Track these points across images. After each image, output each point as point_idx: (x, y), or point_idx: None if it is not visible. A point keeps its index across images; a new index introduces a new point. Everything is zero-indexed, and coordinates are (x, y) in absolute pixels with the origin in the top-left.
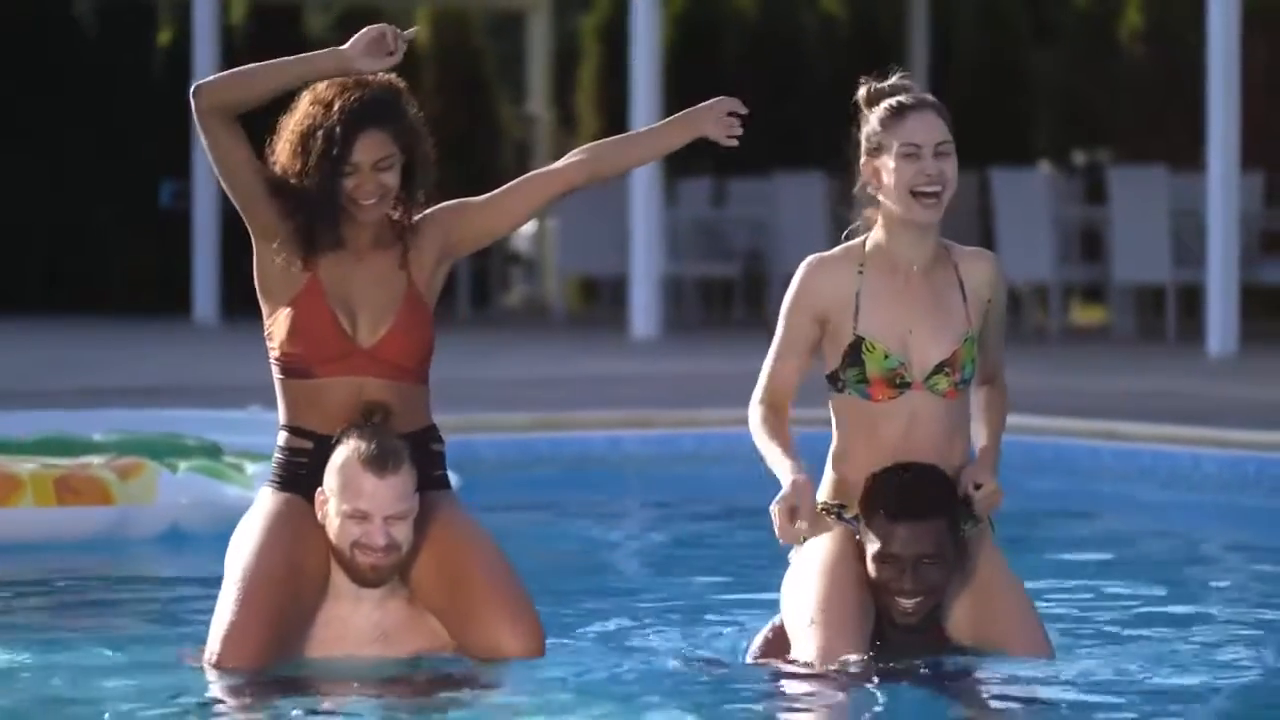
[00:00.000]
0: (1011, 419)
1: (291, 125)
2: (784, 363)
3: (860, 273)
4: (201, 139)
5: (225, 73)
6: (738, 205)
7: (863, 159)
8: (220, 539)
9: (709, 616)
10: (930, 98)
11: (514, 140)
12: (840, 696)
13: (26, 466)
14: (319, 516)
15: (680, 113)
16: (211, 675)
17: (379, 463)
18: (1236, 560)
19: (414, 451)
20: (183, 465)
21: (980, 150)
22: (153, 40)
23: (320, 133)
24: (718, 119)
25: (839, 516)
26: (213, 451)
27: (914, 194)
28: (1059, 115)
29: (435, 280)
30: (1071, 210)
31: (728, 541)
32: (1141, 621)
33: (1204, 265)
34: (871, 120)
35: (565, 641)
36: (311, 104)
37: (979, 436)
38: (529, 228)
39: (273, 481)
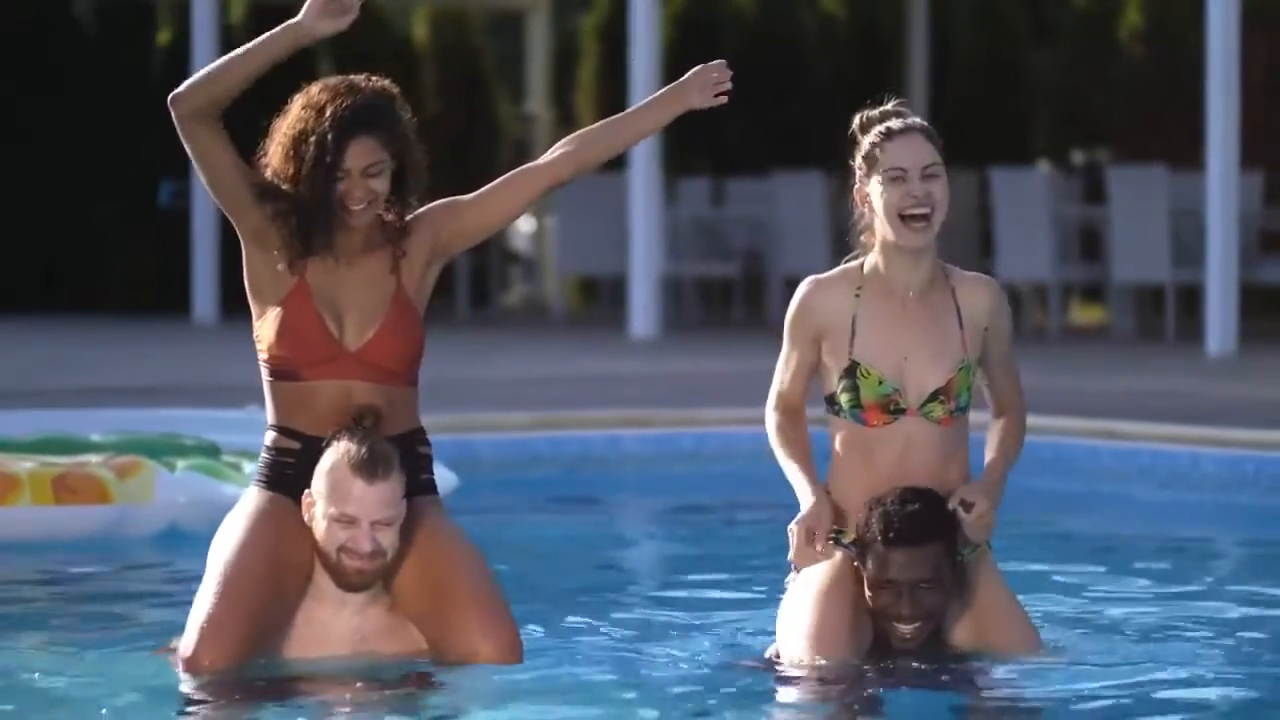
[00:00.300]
0: None
1: (284, 129)
2: (790, 374)
3: (857, 296)
4: (187, 147)
5: (196, 75)
6: (737, 205)
7: (855, 185)
8: None
9: (708, 616)
10: (918, 122)
11: (513, 139)
12: (834, 700)
13: (24, 465)
14: (305, 518)
15: (664, 89)
16: (187, 671)
17: (369, 468)
18: (1236, 559)
19: (401, 454)
20: (181, 464)
21: (979, 150)
22: (152, 40)
23: (313, 138)
24: (701, 87)
25: (836, 542)
26: (211, 451)
27: (902, 218)
28: (1058, 115)
29: (425, 283)
30: (1071, 210)
31: (727, 541)
32: (1140, 621)
33: (1203, 265)
34: (862, 146)
35: (563, 641)
36: (304, 108)
37: (986, 462)
38: (528, 227)
39: (259, 480)
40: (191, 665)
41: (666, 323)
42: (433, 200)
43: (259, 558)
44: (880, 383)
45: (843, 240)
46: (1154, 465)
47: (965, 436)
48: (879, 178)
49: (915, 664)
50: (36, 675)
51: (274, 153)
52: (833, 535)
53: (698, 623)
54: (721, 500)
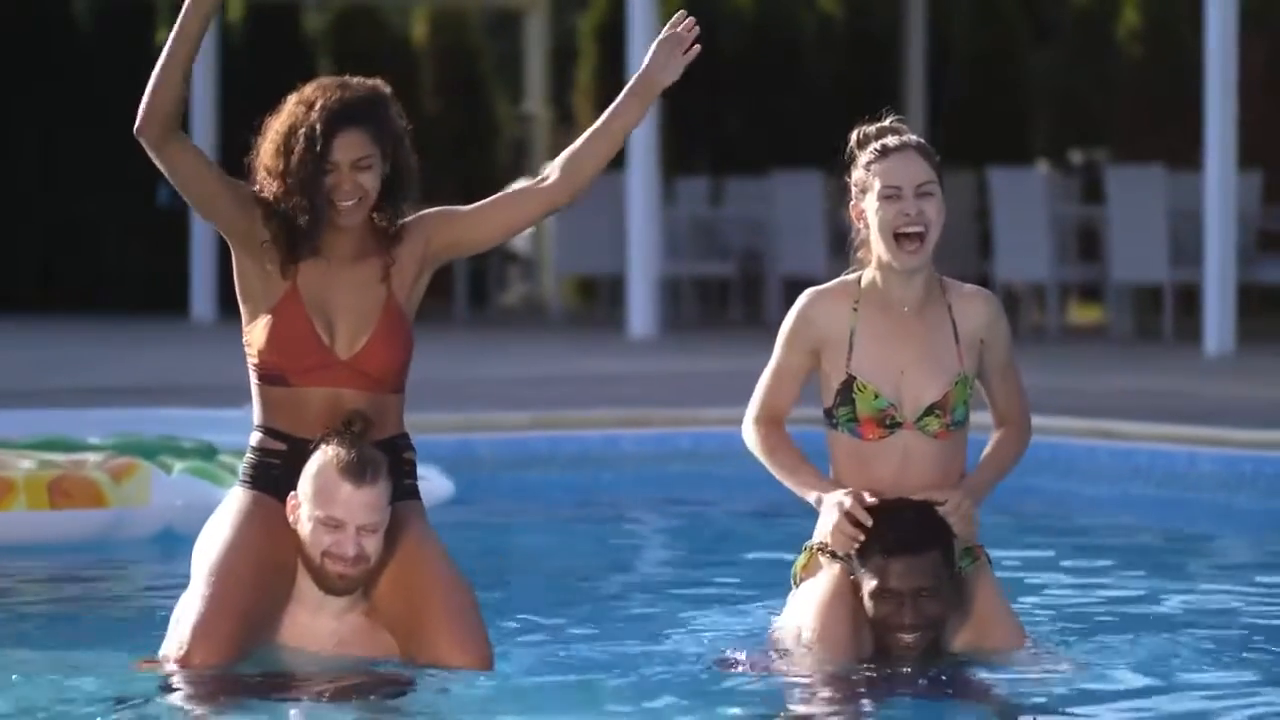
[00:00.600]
0: None
1: (275, 125)
2: (780, 385)
3: (855, 310)
4: (169, 173)
5: (144, 100)
6: (735, 204)
7: (851, 202)
8: None
9: (706, 616)
10: (914, 139)
11: (512, 139)
12: (832, 701)
13: (23, 465)
14: (290, 520)
15: (632, 80)
16: (179, 671)
17: (357, 472)
18: (1234, 559)
19: (387, 460)
20: (178, 466)
21: (978, 150)
22: (151, 39)
23: (301, 131)
24: (665, 63)
25: (834, 554)
26: (208, 453)
27: (896, 236)
28: (1057, 115)
29: (416, 290)
30: (1069, 210)
31: (724, 540)
32: (1138, 620)
33: (1201, 265)
34: (858, 163)
35: (560, 641)
36: (295, 104)
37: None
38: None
39: (244, 481)
40: (183, 664)
41: (665, 322)
42: (428, 206)
43: (246, 558)
44: (876, 397)
45: (841, 240)
46: (1152, 465)
47: (962, 450)
48: (874, 195)
49: (912, 669)
50: (29, 675)
51: (265, 149)
52: (830, 548)
53: (696, 622)
54: (719, 500)
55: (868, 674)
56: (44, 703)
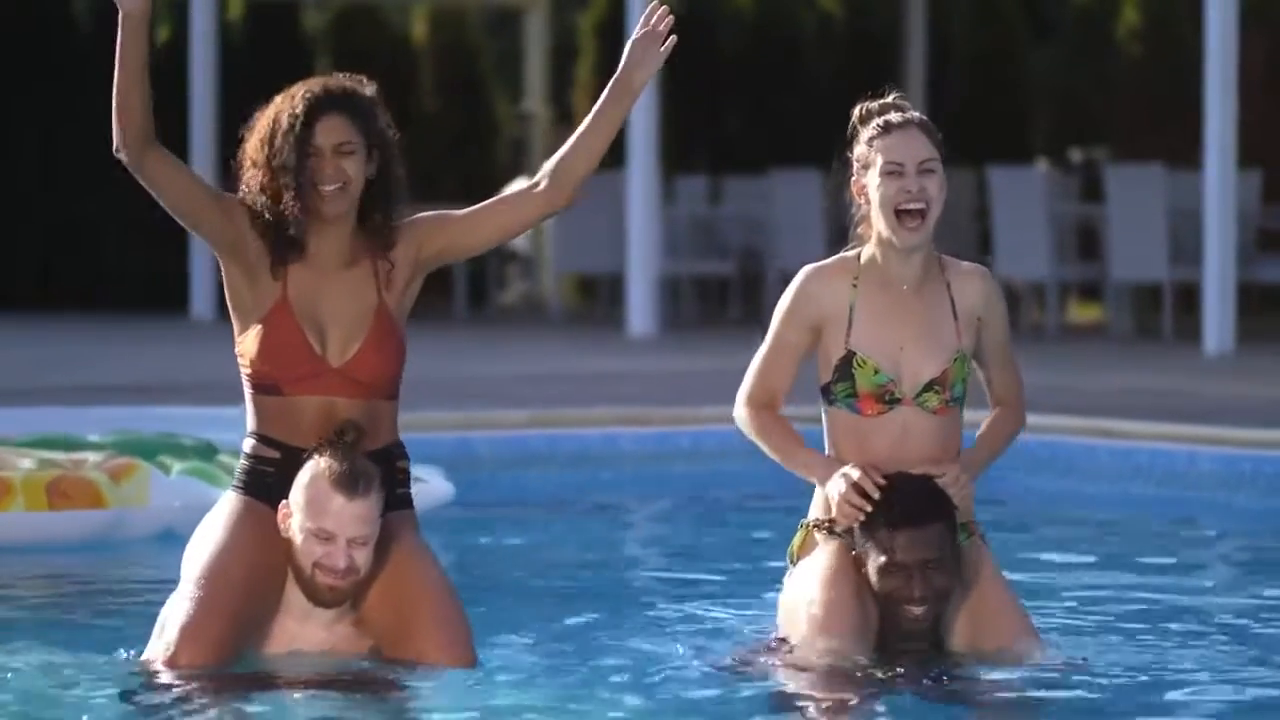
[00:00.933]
0: None
1: (261, 120)
2: (777, 366)
3: (855, 286)
4: (155, 192)
5: (113, 116)
6: (734, 203)
7: (853, 177)
8: None
9: (707, 613)
10: (917, 116)
11: (511, 137)
12: (844, 700)
13: (22, 465)
14: (282, 530)
15: (611, 80)
16: (166, 671)
17: (349, 484)
18: (1233, 558)
19: (380, 469)
20: (177, 466)
21: (977, 148)
22: (151, 39)
23: (284, 117)
24: (642, 63)
25: (831, 531)
26: (207, 452)
27: (897, 213)
28: (1056, 113)
29: (407, 295)
30: (1068, 208)
31: (724, 538)
32: (1137, 619)
33: (1201, 264)
34: (861, 139)
35: (561, 640)
36: (280, 99)
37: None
38: None
39: (237, 486)
40: (170, 665)
41: (664, 321)
42: (428, 205)
43: (238, 561)
44: (876, 372)
45: (840, 238)
46: (1151, 464)
47: (959, 428)
48: (876, 171)
49: (919, 669)
50: (26, 675)
51: (250, 143)
52: (827, 525)
53: (696, 620)
54: (719, 498)
55: (874, 672)
56: (39, 703)
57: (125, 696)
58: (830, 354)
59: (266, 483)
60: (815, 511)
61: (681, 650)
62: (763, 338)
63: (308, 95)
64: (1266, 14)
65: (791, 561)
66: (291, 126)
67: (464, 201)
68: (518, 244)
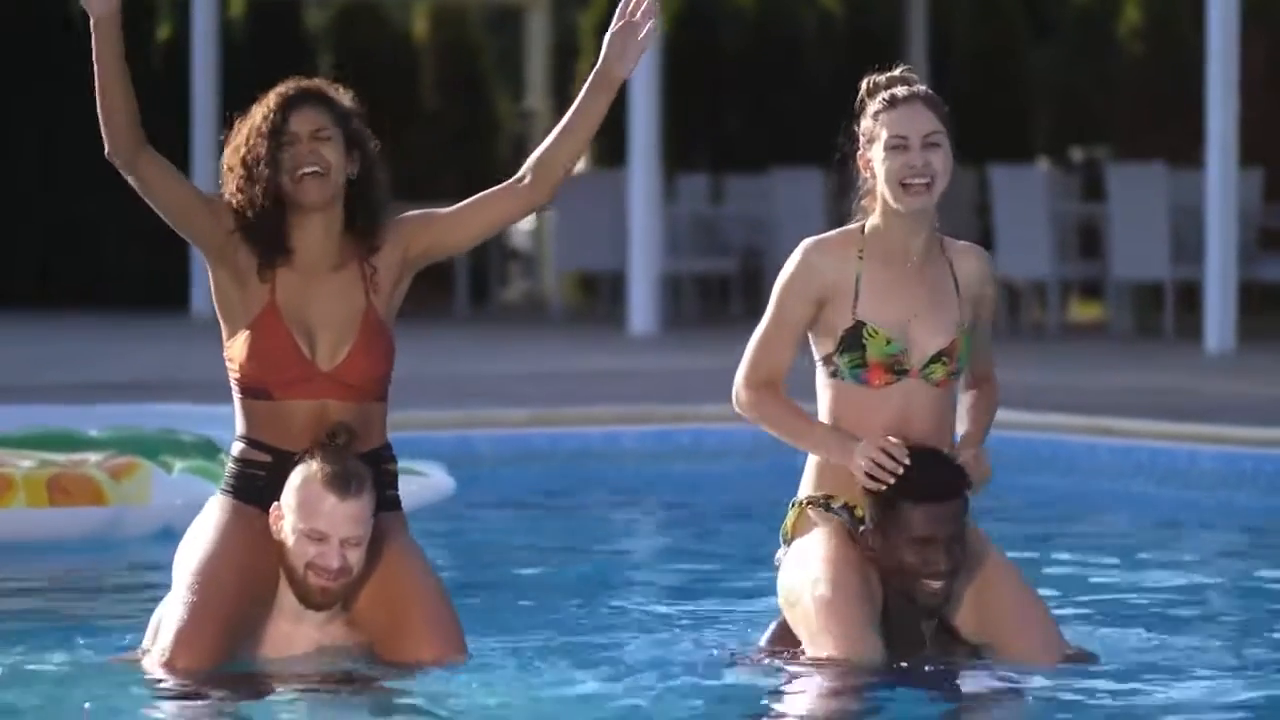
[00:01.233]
0: (1009, 415)
1: (238, 127)
2: (778, 342)
3: (860, 257)
4: (140, 187)
5: (100, 121)
6: (735, 201)
7: (859, 151)
8: None
9: (709, 611)
10: (923, 90)
11: (512, 135)
12: (857, 691)
13: (22, 465)
14: (274, 532)
15: (592, 73)
16: (165, 675)
17: (342, 484)
18: (1232, 557)
19: (370, 471)
20: (178, 465)
21: (979, 147)
22: (151, 38)
23: (259, 114)
24: (623, 56)
25: (827, 508)
26: (207, 450)
27: (902, 185)
28: (1057, 112)
29: (395, 296)
30: (1070, 207)
31: (726, 536)
32: (1136, 617)
33: (1202, 262)
34: (867, 112)
35: (564, 638)
36: (256, 106)
37: (963, 426)
38: (527, 223)
39: (226, 490)
40: (166, 671)
41: (665, 319)
42: (429, 203)
43: (229, 565)
44: (889, 342)
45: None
46: (1152, 463)
47: (955, 402)
48: (880, 145)
49: (934, 662)
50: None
51: (231, 146)
52: (823, 502)
53: (696, 618)
54: (720, 496)
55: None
56: (36, 699)
57: (122, 698)
58: (835, 325)
59: (257, 486)
60: (806, 489)
61: (683, 646)
62: None
63: (281, 91)
64: (1267, 12)
65: (785, 541)
66: (266, 118)
67: (465, 199)
68: (519, 242)
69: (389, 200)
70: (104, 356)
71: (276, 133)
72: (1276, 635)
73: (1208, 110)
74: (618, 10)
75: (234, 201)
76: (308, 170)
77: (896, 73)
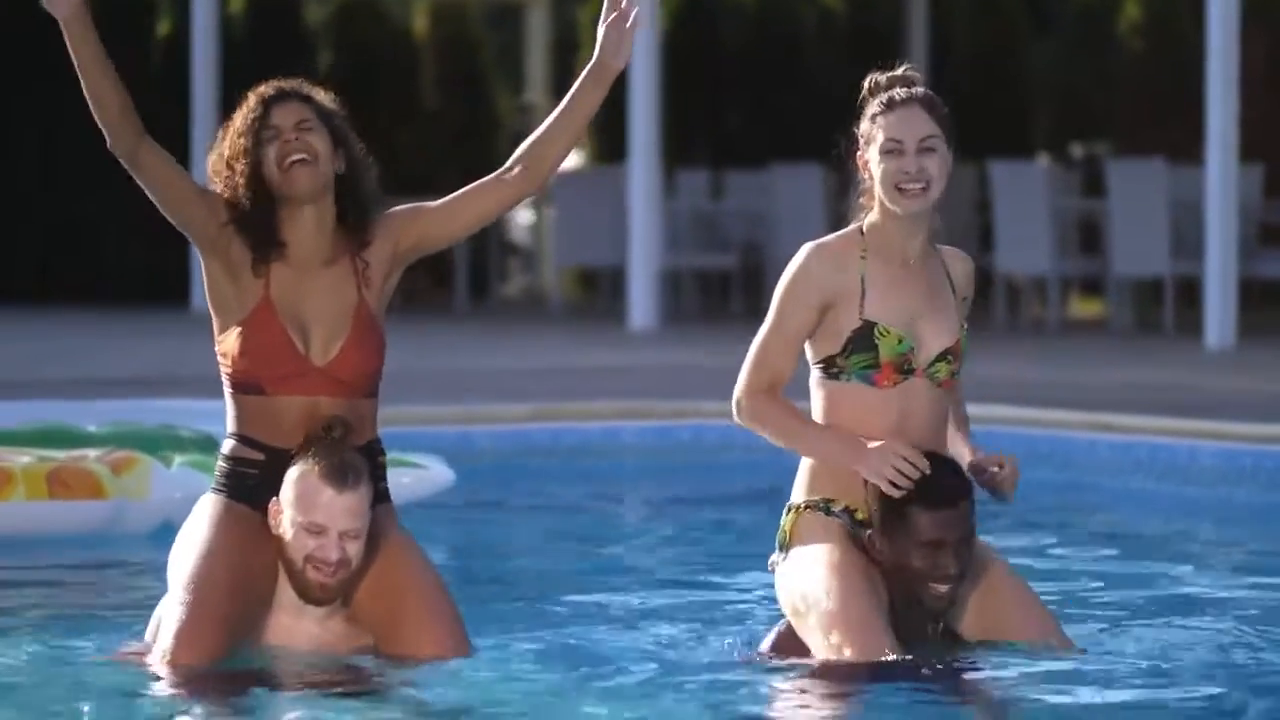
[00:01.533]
0: (1009, 411)
1: (226, 129)
2: (781, 349)
3: (863, 258)
4: (140, 178)
5: (92, 107)
6: (735, 197)
7: (858, 151)
8: None
9: (710, 608)
10: (922, 92)
11: (512, 131)
12: (862, 694)
13: (21, 460)
14: (273, 526)
15: (586, 69)
16: (165, 672)
17: (339, 476)
18: (1232, 553)
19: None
20: (178, 460)
21: (979, 143)
22: (151, 38)
23: (240, 113)
24: (618, 48)
25: (827, 512)
26: (207, 445)
27: (897, 189)
28: (1057, 108)
29: (386, 291)
30: (1070, 203)
31: (727, 532)
32: (1136, 613)
33: (1202, 258)
34: (866, 113)
35: (564, 633)
36: (239, 108)
37: (954, 434)
38: (527, 219)
39: (218, 489)
40: (168, 670)
41: (665, 315)
42: (430, 197)
43: (224, 564)
44: (900, 341)
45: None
46: (1152, 459)
47: (949, 404)
48: (876, 149)
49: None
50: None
51: (216, 149)
52: (822, 506)
53: (696, 615)
54: (719, 491)
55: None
56: (35, 696)
57: (123, 695)
58: (840, 327)
59: (248, 485)
60: (802, 493)
61: (682, 642)
62: None
63: (261, 91)
64: (1267, 9)
65: (782, 547)
66: (246, 117)
67: None
68: (519, 237)
69: (380, 195)
70: (104, 352)
71: (259, 128)
72: (1277, 632)
73: (1207, 106)
74: (608, 2)
75: (228, 197)
76: (295, 158)
77: (899, 73)
